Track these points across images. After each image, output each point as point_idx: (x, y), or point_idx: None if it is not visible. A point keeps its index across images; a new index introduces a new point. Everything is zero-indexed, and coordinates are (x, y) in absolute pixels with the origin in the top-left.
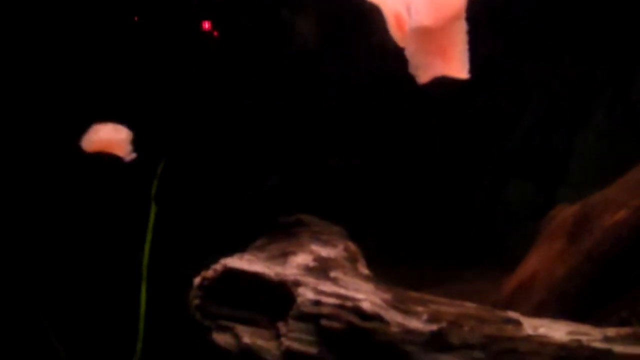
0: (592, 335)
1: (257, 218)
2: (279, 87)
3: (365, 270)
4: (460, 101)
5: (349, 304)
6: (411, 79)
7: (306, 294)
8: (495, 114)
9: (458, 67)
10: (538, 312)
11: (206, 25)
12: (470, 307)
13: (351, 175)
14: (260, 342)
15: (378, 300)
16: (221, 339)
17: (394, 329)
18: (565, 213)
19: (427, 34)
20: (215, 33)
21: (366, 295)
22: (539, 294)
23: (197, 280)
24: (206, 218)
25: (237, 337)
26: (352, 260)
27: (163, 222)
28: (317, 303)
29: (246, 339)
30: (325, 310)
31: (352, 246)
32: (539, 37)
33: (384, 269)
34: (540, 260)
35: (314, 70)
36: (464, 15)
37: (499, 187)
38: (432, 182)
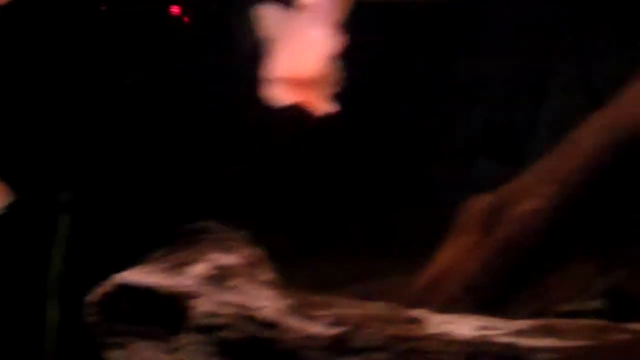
0: (499, 330)
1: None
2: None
3: (268, 276)
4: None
5: (248, 312)
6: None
7: (203, 305)
8: (455, 95)
9: (321, 105)
10: (451, 306)
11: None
12: (375, 307)
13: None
14: (157, 357)
15: (278, 307)
16: (117, 355)
17: (294, 336)
18: (479, 204)
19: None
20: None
21: (266, 302)
22: (452, 288)
23: (91, 296)
24: (125, 227)
25: (133, 352)
26: (255, 266)
27: (78, 233)
28: (214, 314)
29: (143, 355)
30: (222, 320)
31: (256, 252)
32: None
33: (315, 267)
34: (453, 254)
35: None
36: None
37: (463, 169)
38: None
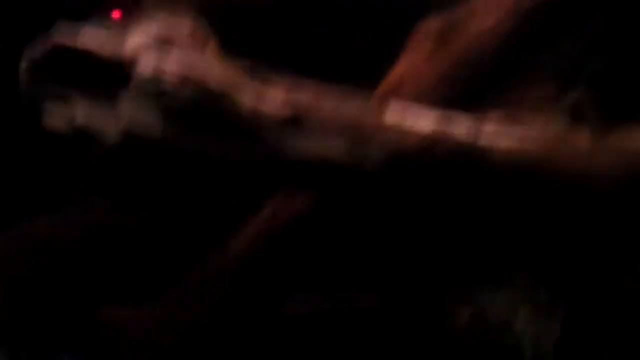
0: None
1: None
2: None
3: (216, 51)
4: None
5: (195, 78)
6: None
7: (147, 68)
8: None
9: None
10: None
11: None
12: (334, 91)
13: None
14: (96, 122)
15: (228, 78)
16: (54, 121)
17: (246, 107)
18: (433, 24)
19: None
20: None
21: (216, 72)
22: (409, 97)
23: (25, 61)
24: None
25: (71, 118)
26: (201, 40)
27: None
28: (158, 77)
29: (81, 120)
30: (168, 85)
31: (203, 28)
32: None
33: None
34: (408, 66)
35: None
36: None
37: None
38: None
